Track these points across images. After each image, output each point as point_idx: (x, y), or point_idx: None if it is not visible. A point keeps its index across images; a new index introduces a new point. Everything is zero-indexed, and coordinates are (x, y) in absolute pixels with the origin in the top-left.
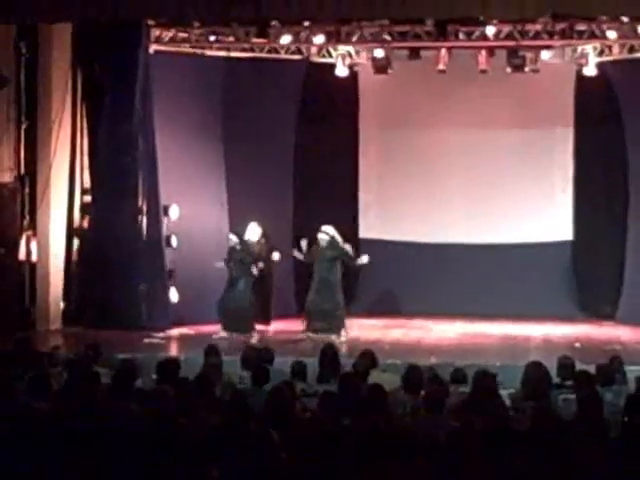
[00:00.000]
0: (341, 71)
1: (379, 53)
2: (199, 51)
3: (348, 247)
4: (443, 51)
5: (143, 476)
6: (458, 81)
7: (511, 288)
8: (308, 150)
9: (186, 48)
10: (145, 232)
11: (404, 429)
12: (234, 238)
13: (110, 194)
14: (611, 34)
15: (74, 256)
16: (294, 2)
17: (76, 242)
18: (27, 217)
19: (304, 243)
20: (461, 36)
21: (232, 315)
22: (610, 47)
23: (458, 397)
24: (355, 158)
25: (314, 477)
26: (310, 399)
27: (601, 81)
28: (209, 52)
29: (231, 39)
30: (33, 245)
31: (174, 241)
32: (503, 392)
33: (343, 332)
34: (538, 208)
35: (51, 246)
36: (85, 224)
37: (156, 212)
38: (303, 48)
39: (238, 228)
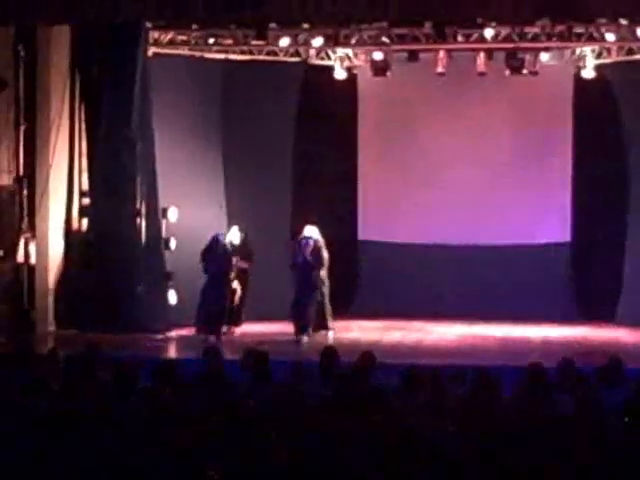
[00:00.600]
0: (340, 73)
1: (378, 55)
2: (197, 53)
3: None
4: (442, 53)
5: (143, 476)
6: (457, 83)
7: (510, 290)
8: (307, 152)
9: (184, 50)
10: (144, 234)
11: (404, 430)
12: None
13: (109, 196)
14: (609, 36)
15: (73, 258)
16: (293, 5)
17: (75, 244)
18: (26, 219)
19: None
20: (459, 38)
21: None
22: (608, 49)
23: (457, 399)
24: (354, 160)
25: (314, 477)
26: (310, 400)
27: (599, 83)
28: (208, 54)
29: (230, 41)
30: (32, 247)
31: (173, 243)
32: (502, 394)
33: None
34: (537, 210)
35: (50, 248)
36: (84, 226)
37: (155, 214)
38: (302, 50)
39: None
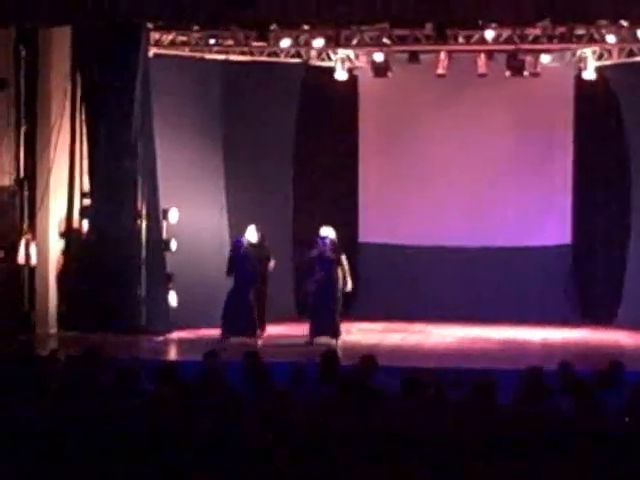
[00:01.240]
0: (340, 75)
1: (379, 57)
2: (198, 54)
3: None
4: (442, 55)
5: (143, 477)
6: (457, 85)
7: (510, 292)
8: (307, 154)
9: (185, 51)
10: (144, 236)
11: (403, 432)
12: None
13: (109, 198)
14: (610, 38)
15: (73, 260)
16: (293, 5)
17: (75, 246)
18: (26, 221)
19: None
20: (460, 40)
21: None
22: (609, 51)
23: (457, 402)
24: (354, 162)
25: (314, 478)
26: (311, 402)
27: (600, 85)
28: (208, 55)
29: (230, 42)
30: (32, 249)
31: (173, 245)
32: (503, 397)
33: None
34: (538, 212)
35: (50, 250)
36: (84, 228)
37: (155, 216)
38: (302, 52)
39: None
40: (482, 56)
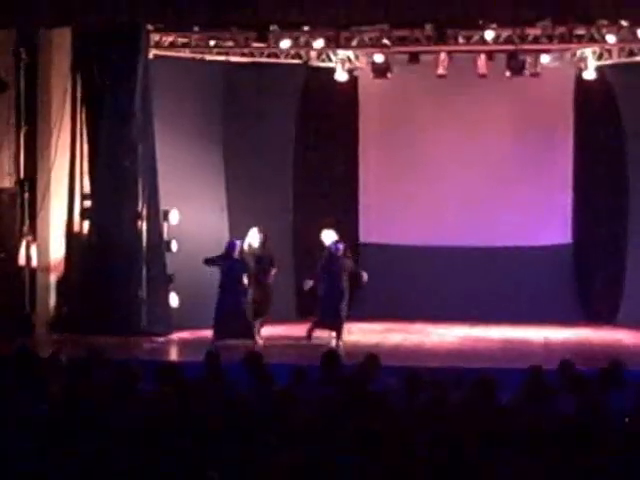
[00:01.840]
0: (341, 75)
1: (379, 58)
2: (199, 56)
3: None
4: (442, 55)
5: (143, 477)
6: (457, 85)
7: (511, 292)
8: (308, 154)
9: (186, 53)
10: (145, 237)
11: (404, 432)
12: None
13: (110, 199)
14: (610, 38)
15: (74, 261)
16: (293, 7)
17: (76, 247)
18: (27, 222)
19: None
20: (460, 40)
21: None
22: (609, 51)
23: (458, 401)
24: (355, 162)
25: (314, 477)
26: (311, 403)
27: (600, 85)
28: (209, 57)
29: (230, 44)
30: (33, 250)
31: (174, 246)
32: (503, 396)
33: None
34: (538, 211)
35: (51, 251)
36: (85, 229)
37: (156, 217)
38: (303, 53)
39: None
40: (482, 56)
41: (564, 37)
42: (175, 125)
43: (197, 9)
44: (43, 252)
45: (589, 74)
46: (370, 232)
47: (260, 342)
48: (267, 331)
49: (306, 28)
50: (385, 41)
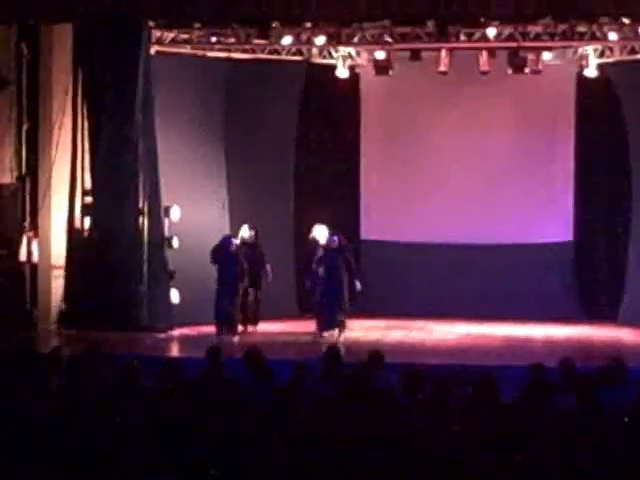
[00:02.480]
0: (342, 72)
1: (380, 54)
2: (200, 52)
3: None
4: (444, 52)
5: (143, 476)
6: (459, 82)
7: (512, 289)
8: (309, 151)
9: (187, 49)
10: (146, 233)
11: (404, 431)
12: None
13: (111, 195)
14: (612, 36)
15: (75, 257)
16: (295, 3)
17: (77, 243)
18: (28, 218)
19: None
20: (462, 37)
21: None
22: (611, 48)
23: (459, 399)
24: (356, 159)
25: (314, 477)
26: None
27: (602, 82)
28: (210, 53)
29: (232, 40)
30: (34, 246)
31: (175, 242)
32: (504, 394)
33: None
34: (539, 209)
35: (52, 247)
36: (86, 225)
37: (157, 213)
38: (304, 49)
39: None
40: (484, 53)
41: (566, 34)
42: (176, 121)
43: (199, 5)
44: (44, 248)
45: (590, 72)
46: (371, 229)
47: (235, 339)
48: (268, 327)
49: (308, 25)
50: (387, 38)
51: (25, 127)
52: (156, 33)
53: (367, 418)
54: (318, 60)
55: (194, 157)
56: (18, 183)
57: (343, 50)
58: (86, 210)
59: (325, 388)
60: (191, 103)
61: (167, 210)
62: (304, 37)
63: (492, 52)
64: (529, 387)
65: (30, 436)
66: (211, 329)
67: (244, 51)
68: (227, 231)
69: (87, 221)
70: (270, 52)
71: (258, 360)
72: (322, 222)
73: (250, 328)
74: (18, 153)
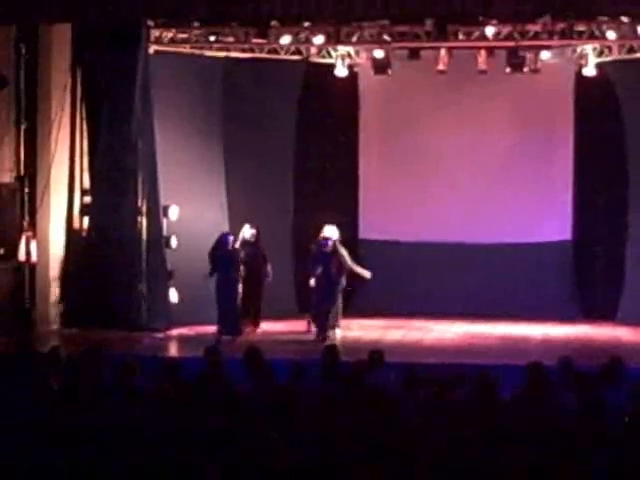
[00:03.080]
0: (341, 71)
1: (379, 53)
2: (199, 51)
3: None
4: (443, 51)
5: (143, 476)
6: (458, 81)
7: (511, 288)
8: (308, 150)
9: (186, 48)
10: (145, 233)
11: (404, 430)
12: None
13: (110, 195)
14: (610, 34)
15: (74, 257)
16: (294, 2)
17: (76, 243)
18: (27, 218)
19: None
20: (461, 36)
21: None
22: (609, 47)
23: (458, 398)
24: (355, 158)
25: (314, 477)
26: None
27: (600, 81)
28: (209, 52)
29: (231, 39)
30: (33, 246)
31: (174, 242)
32: (503, 393)
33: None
34: (538, 208)
35: (51, 247)
36: (85, 225)
37: (156, 213)
38: (303, 48)
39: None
40: (482, 52)
41: (564, 33)
42: (175, 121)
43: (197, 4)
44: (43, 248)
45: (589, 70)
46: (370, 228)
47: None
48: (268, 327)
49: (306, 24)
50: (385, 37)
51: (24, 127)
52: (155, 32)
53: (366, 417)
54: (317, 59)
55: (193, 156)
56: (17, 183)
57: (342, 49)
58: (85, 210)
59: (325, 387)
60: (190, 102)
61: (166, 209)
62: (303, 36)
63: (491, 51)
64: (528, 386)
65: (30, 436)
66: (210, 329)
67: (243, 50)
68: (226, 230)
69: (86, 221)
70: (269, 51)
71: (258, 360)
72: (321, 221)
73: (251, 328)
74: (16, 153)
